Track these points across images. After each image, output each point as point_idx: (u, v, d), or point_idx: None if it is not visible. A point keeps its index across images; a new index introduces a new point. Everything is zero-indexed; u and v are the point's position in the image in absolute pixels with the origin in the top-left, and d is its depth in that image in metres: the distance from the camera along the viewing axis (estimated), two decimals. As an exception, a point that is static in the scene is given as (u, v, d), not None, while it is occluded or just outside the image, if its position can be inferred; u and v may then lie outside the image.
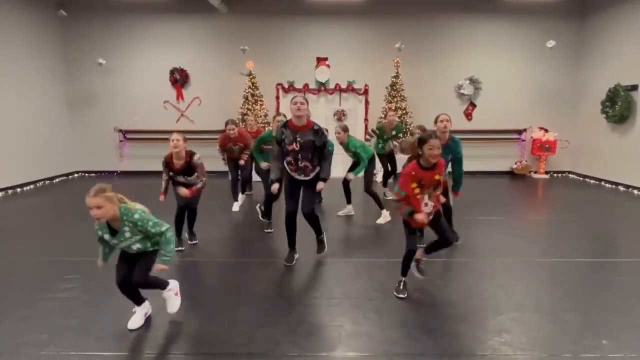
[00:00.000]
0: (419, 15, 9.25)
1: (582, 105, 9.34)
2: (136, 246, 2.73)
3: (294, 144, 3.71)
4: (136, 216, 2.60)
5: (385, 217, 5.55)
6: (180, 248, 4.40)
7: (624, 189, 7.92)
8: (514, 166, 9.61)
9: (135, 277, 2.75)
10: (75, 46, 9.23)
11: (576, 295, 3.36)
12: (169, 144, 4.07)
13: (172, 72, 9.36)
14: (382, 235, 5.12)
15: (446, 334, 2.78)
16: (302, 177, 3.86)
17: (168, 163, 4.18)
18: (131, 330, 2.79)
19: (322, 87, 9.38)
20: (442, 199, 3.40)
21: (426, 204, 3.13)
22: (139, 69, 9.38)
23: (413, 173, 3.10)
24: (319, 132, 3.75)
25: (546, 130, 9.41)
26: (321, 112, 9.20)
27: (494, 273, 3.82)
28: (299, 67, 9.34)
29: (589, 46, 9.09)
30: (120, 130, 9.48)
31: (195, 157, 4.16)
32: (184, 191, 4.16)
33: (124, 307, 3.04)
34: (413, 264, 3.43)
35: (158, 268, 2.74)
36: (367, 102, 9.33)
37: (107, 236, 2.66)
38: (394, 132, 6.60)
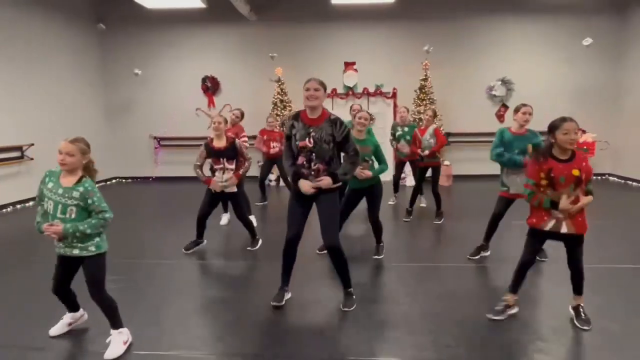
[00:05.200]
0: (446, 17, 9.11)
1: (622, 104, 8.92)
2: (70, 224, 2.42)
3: (307, 139, 3.11)
4: (89, 185, 2.51)
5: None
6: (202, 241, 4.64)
7: (670, 191, 7.51)
8: (550, 169, 9.27)
9: (91, 292, 2.59)
10: (113, 57, 9.64)
11: (617, 303, 3.20)
12: (210, 126, 4.34)
13: (204, 79, 9.60)
14: (412, 239, 5.06)
15: (478, 341, 2.71)
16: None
17: (208, 144, 4.32)
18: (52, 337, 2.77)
19: (350, 92, 9.40)
20: (586, 200, 2.62)
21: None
22: (172, 77, 9.68)
23: (542, 159, 2.62)
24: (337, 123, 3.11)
25: (584, 131, 9.03)
26: (349, 117, 9.19)
27: (528, 279, 3.68)
28: (327, 72, 9.31)
29: (630, 43, 8.67)
30: (155, 137, 9.81)
31: (237, 142, 4.33)
32: (216, 184, 4.28)
33: (159, 307, 3.14)
34: (500, 308, 2.93)
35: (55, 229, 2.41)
36: (395, 106, 9.26)
37: (51, 185, 2.50)
38: (405, 129, 6.17)
